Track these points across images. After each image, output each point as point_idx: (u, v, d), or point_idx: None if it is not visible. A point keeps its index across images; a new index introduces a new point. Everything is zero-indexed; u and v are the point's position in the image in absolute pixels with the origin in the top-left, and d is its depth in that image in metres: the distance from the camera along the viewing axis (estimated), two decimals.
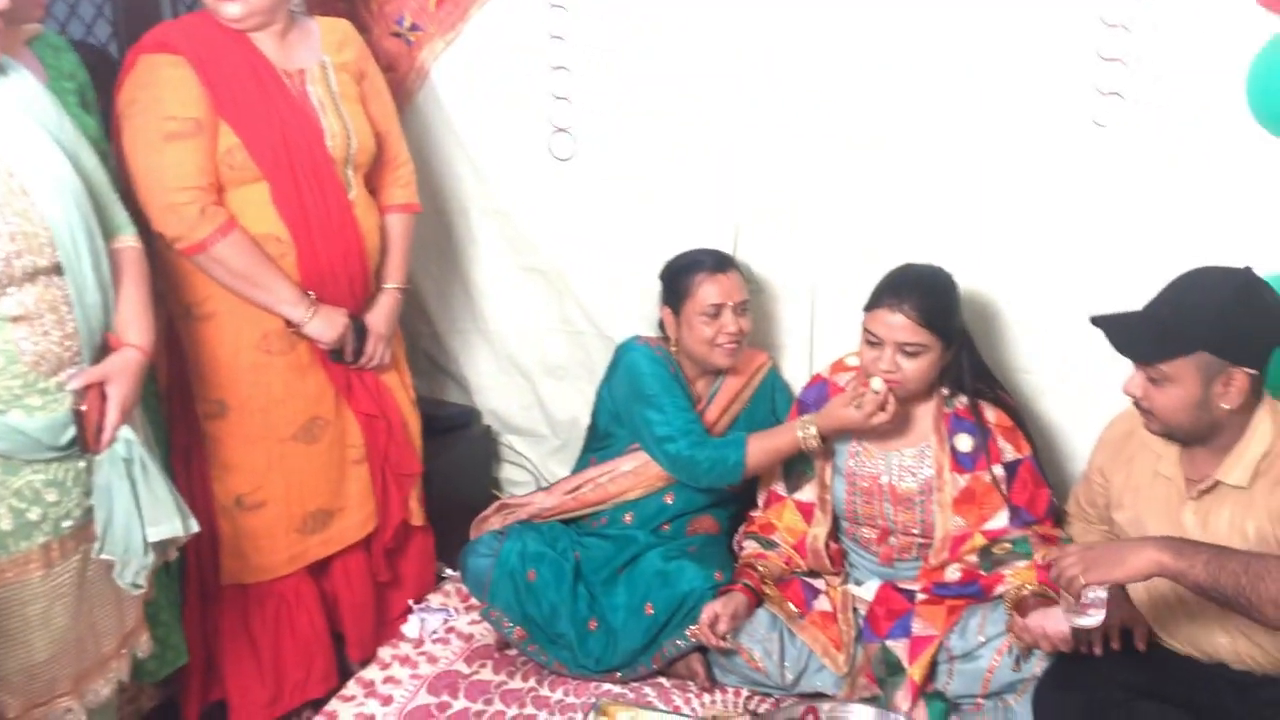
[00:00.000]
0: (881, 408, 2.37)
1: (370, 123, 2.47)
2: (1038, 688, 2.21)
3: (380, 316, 2.55)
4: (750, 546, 2.60)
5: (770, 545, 2.59)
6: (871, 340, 2.41)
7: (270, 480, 2.43)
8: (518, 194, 3.03)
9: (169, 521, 1.90)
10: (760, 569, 2.52)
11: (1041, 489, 2.45)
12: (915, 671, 2.33)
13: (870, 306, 2.43)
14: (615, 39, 2.81)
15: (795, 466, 2.62)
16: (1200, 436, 2.05)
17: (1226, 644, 2.08)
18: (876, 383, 2.38)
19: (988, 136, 2.59)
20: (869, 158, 2.69)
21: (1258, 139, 2.36)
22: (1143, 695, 2.07)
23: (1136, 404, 2.08)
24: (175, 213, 2.21)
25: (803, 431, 2.48)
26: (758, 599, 2.48)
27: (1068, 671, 2.16)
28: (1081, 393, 2.66)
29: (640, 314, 2.88)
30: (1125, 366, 2.41)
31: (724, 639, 2.39)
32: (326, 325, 2.39)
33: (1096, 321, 2.07)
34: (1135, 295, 2.43)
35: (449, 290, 3.23)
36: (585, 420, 2.92)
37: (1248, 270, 2.01)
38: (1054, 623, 2.13)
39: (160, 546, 1.92)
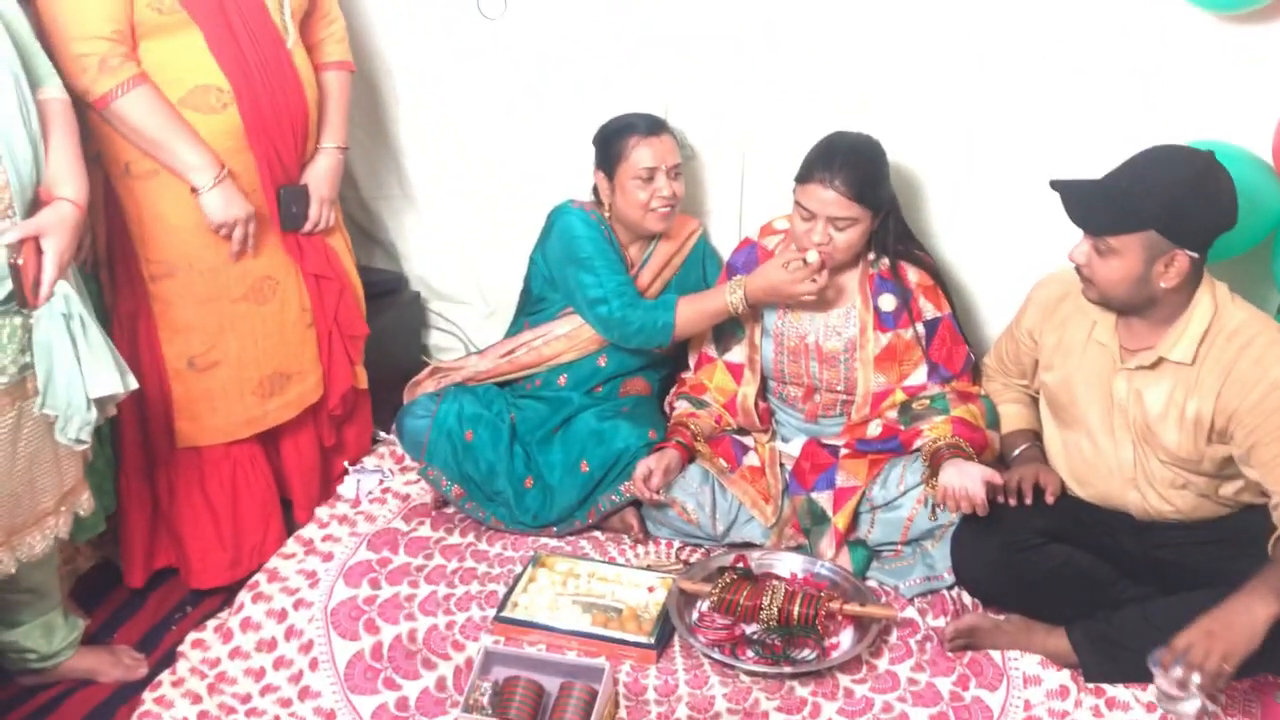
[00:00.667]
0: (812, 278, 2.43)
1: None
2: (955, 533, 2.34)
3: (323, 178, 2.52)
4: (682, 406, 2.68)
5: (701, 405, 2.67)
6: (804, 214, 2.45)
7: (223, 341, 2.41)
8: (445, 54, 2.98)
9: (110, 376, 1.89)
10: (692, 427, 2.60)
11: (959, 346, 2.55)
12: (839, 520, 2.45)
13: (802, 179, 2.45)
14: None
15: (725, 329, 2.68)
16: (1135, 308, 2.12)
17: (1137, 499, 2.22)
18: (813, 255, 2.42)
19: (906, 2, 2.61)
20: (797, 19, 2.70)
21: (1179, 10, 2.43)
22: (1053, 539, 2.22)
23: (1078, 270, 2.13)
24: (76, 64, 2.12)
25: (731, 295, 2.53)
26: (690, 456, 2.56)
27: (984, 518, 2.28)
28: (999, 259, 2.76)
29: (571, 179, 2.87)
30: (1042, 236, 2.51)
31: (657, 493, 2.47)
32: (222, 203, 2.28)
33: (1055, 185, 2.09)
34: (1059, 163, 2.52)
35: (375, 155, 3.18)
36: (515, 287, 2.92)
37: (1209, 155, 2.03)
38: (973, 485, 2.23)
39: (101, 403, 1.91)
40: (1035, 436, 2.42)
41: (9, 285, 1.79)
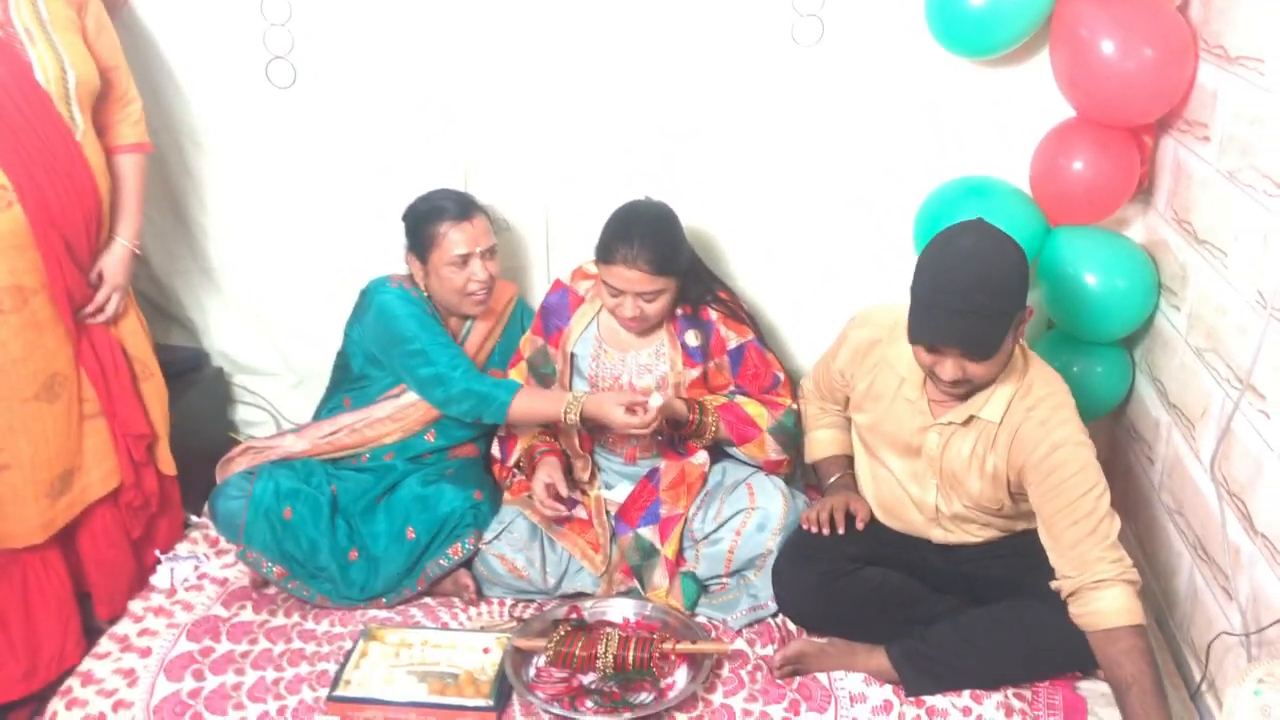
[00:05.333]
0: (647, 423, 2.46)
1: (94, 56, 2.32)
2: (776, 563, 2.44)
3: (116, 266, 2.44)
4: None
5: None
6: (612, 291, 2.51)
7: (13, 443, 2.28)
8: (236, 125, 2.91)
9: None
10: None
11: (768, 367, 2.63)
12: (668, 549, 2.52)
13: (605, 259, 2.49)
14: None
15: (541, 378, 2.71)
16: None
17: (941, 534, 2.37)
18: (655, 399, 2.46)
19: (697, 65, 2.75)
20: (592, 90, 2.80)
21: (939, 57, 2.63)
22: (866, 563, 2.35)
23: (947, 388, 2.12)
24: None
25: (567, 412, 2.51)
26: (563, 454, 2.64)
27: (802, 548, 2.40)
28: (796, 296, 2.92)
29: (373, 243, 2.87)
30: (833, 270, 2.68)
31: (559, 499, 2.56)
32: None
33: (932, 338, 2.06)
34: (841, 204, 2.68)
35: (166, 229, 3.07)
36: (322, 357, 2.89)
37: (998, 230, 2.07)
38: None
39: None
40: (848, 462, 2.54)
41: None
